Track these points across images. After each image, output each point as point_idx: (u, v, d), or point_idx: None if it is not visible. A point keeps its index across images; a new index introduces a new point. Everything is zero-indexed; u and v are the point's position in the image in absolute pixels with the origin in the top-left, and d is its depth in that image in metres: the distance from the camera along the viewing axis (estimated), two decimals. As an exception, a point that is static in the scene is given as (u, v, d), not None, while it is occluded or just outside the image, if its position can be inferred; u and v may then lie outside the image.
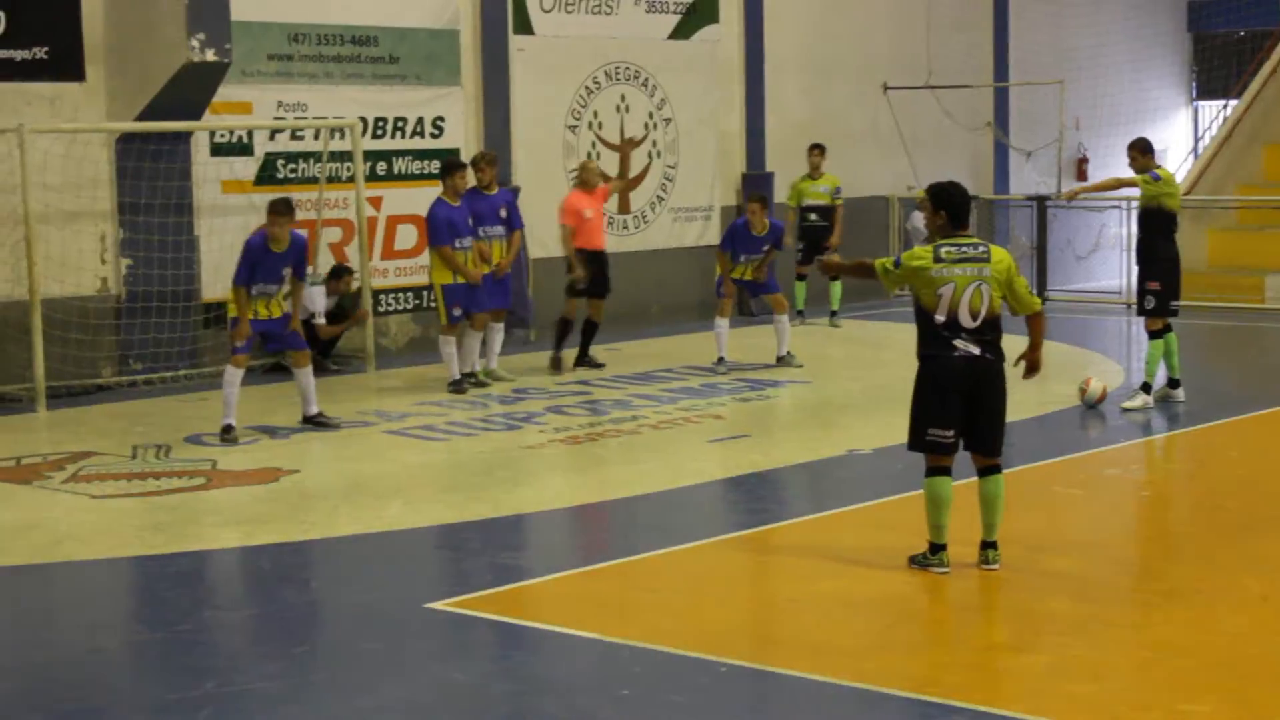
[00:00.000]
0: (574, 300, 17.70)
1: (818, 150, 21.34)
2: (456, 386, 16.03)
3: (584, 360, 17.70)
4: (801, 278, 21.36)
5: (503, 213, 16.46)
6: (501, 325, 16.78)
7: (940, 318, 9.32)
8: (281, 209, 13.97)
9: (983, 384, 9.38)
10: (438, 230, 15.89)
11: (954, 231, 9.49)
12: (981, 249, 9.45)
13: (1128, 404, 14.66)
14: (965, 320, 9.31)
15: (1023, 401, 11.80)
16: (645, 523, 11.21)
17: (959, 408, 9.38)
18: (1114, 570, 9.90)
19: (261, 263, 13.89)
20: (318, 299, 17.27)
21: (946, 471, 9.47)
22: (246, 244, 14.06)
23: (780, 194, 22.41)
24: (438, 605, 9.09)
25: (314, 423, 14.33)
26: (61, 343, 16.21)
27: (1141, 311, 14.90)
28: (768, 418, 15.08)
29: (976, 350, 9.32)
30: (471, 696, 7.75)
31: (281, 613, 9.28)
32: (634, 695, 7.66)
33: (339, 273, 17.94)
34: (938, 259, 9.34)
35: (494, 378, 16.60)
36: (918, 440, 9.52)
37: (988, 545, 9.58)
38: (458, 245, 15.90)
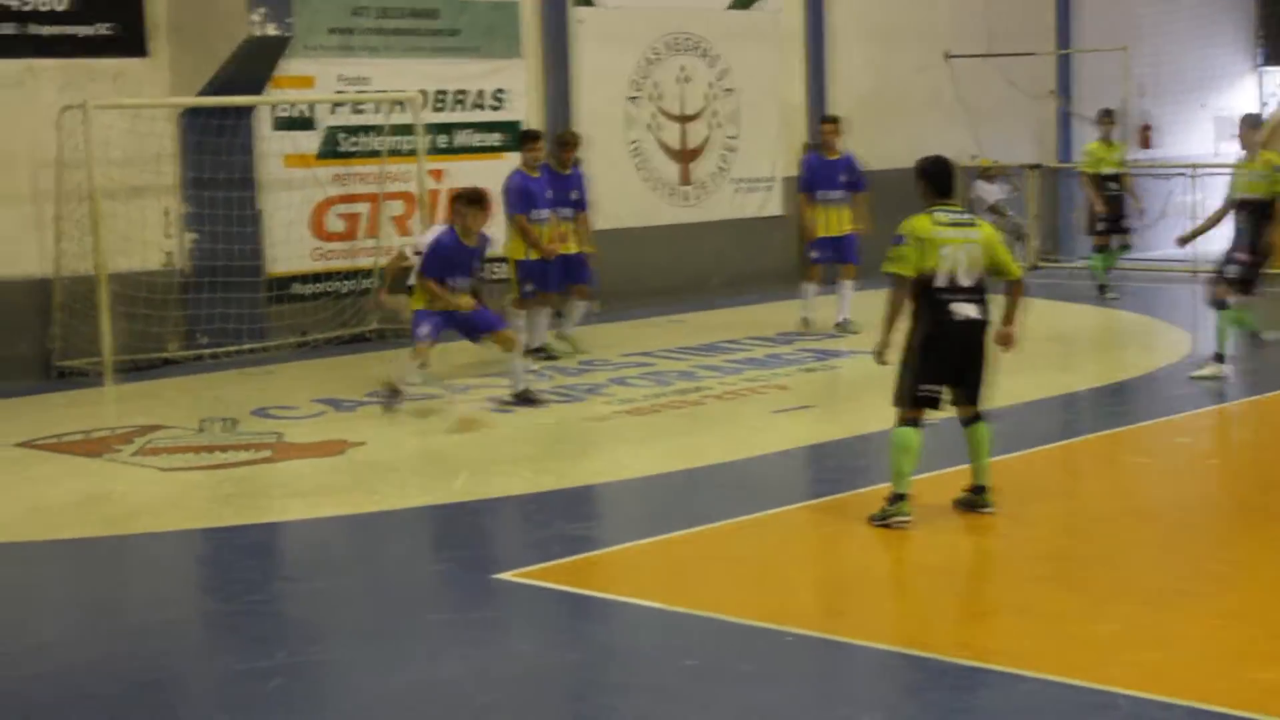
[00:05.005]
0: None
1: (1109, 116, 21.10)
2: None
3: None
4: (1100, 249, 20.95)
5: (574, 195, 16.40)
6: (587, 303, 16.69)
7: (942, 280, 9.76)
8: (480, 201, 13.78)
9: (976, 343, 9.87)
10: (511, 200, 15.93)
11: (939, 200, 9.99)
12: (967, 217, 10.04)
13: (1198, 372, 14.51)
14: (962, 279, 9.78)
15: (1086, 370, 11.68)
16: (710, 493, 11.20)
17: (953, 367, 9.87)
18: (1183, 539, 9.83)
19: (453, 258, 13.61)
20: None
21: (919, 424, 9.93)
22: (437, 241, 13.76)
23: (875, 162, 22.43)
24: (505, 576, 9.11)
25: (522, 399, 14.02)
26: (128, 318, 16.30)
27: (1221, 279, 14.59)
28: (832, 388, 15.04)
29: (974, 314, 9.80)
30: (539, 667, 7.77)
31: (349, 584, 9.33)
32: (701, 665, 7.66)
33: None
34: (936, 222, 9.84)
35: (568, 342, 16.51)
36: (909, 397, 9.88)
37: (981, 489, 10.04)
38: (532, 217, 15.91)
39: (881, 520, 9.84)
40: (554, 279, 16.13)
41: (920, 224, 9.83)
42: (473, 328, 13.96)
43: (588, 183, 16.71)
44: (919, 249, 9.77)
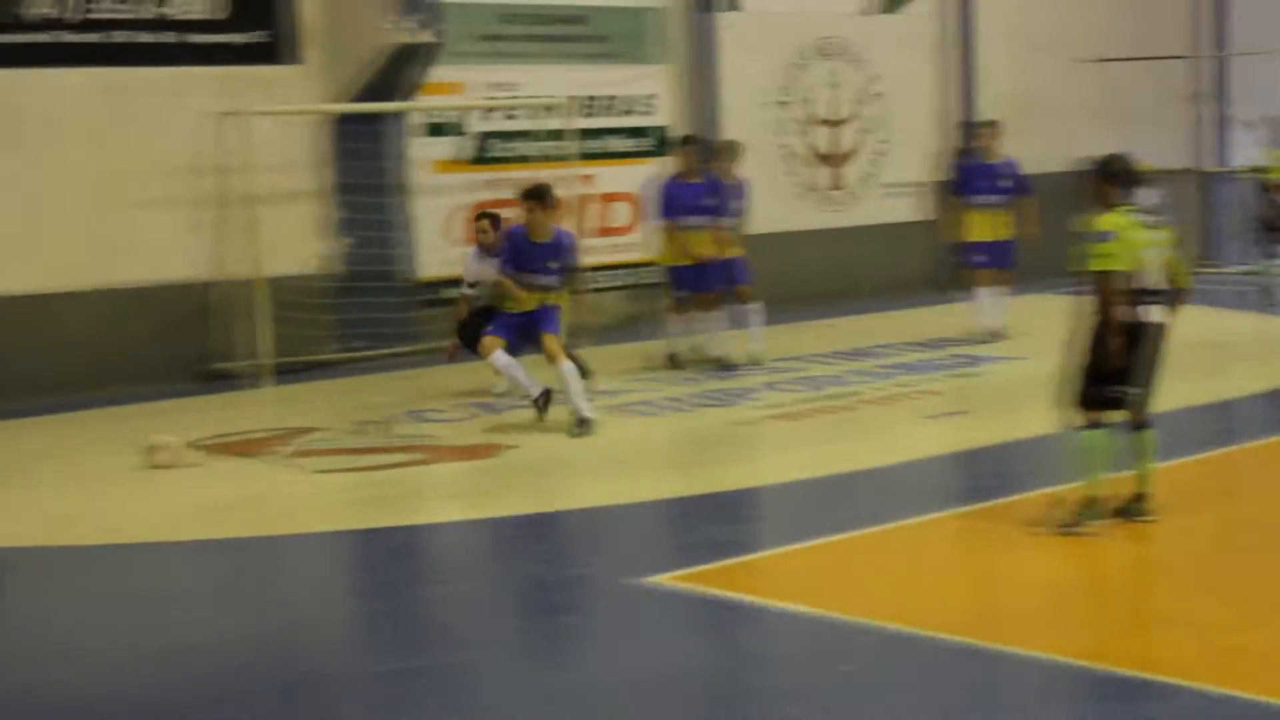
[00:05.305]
0: None
1: None
2: (674, 362, 16.08)
3: None
4: (1270, 256, 20.66)
5: (723, 201, 16.27)
6: (756, 306, 16.51)
7: (1143, 281, 9.54)
8: (537, 196, 13.59)
9: (1160, 347, 9.67)
10: (659, 205, 15.97)
11: (1123, 201, 9.73)
12: (1152, 219, 9.76)
13: None
14: (1157, 282, 9.60)
15: (1244, 377, 11.48)
16: (863, 498, 11.11)
17: (1141, 370, 9.64)
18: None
19: (523, 254, 13.55)
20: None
21: (1104, 426, 9.73)
22: (509, 234, 13.88)
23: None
24: (654, 580, 9.09)
25: (544, 398, 13.73)
26: (284, 321, 16.48)
27: None
28: (984, 394, 14.87)
29: (1163, 317, 9.64)
30: (689, 672, 7.73)
31: (497, 587, 9.36)
32: (855, 671, 7.59)
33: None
34: (1137, 224, 9.60)
35: (754, 360, 16.24)
36: (1097, 398, 9.61)
37: (1142, 497, 9.82)
38: (684, 223, 15.90)
39: (1073, 526, 9.62)
40: (709, 283, 16.07)
41: (1122, 222, 9.56)
42: (531, 331, 13.68)
43: (744, 189, 16.62)
44: (1124, 248, 9.51)
